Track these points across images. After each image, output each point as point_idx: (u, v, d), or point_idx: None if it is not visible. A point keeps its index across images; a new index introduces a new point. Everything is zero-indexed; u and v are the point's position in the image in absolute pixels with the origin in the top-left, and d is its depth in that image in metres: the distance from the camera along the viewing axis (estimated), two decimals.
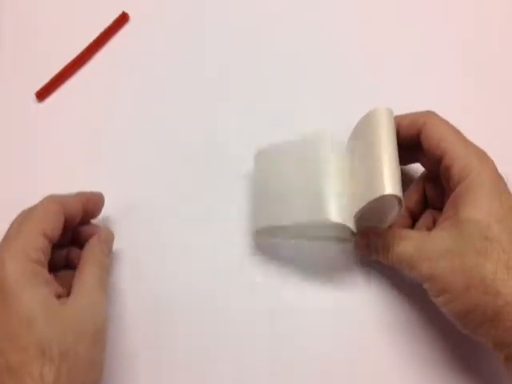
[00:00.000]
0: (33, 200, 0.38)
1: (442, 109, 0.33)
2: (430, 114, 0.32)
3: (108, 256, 0.34)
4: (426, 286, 0.29)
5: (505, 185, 0.29)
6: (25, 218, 0.30)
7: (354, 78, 0.42)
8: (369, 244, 0.33)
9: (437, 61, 0.42)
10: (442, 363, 0.33)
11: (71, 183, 0.39)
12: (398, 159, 0.31)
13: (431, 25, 0.44)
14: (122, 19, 0.45)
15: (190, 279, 0.36)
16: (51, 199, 0.31)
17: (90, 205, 0.34)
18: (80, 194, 0.34)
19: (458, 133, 0.31)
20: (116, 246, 0.35)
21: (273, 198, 0.33)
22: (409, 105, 0.34)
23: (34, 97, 0.42)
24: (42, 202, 0.31)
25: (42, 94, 0.42)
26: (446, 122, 0.32)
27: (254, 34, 0.44)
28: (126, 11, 0.45)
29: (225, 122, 0.41)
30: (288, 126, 0.40)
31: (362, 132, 0.33)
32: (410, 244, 0.30)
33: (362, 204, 0.30)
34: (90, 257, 0.32)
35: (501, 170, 0.30)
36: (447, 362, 0.33)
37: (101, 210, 0.35)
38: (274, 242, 0.36)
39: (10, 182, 0.39)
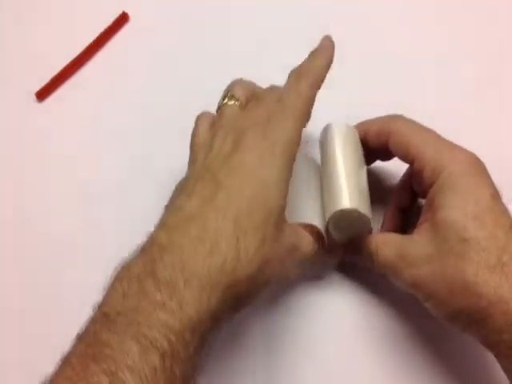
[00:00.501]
0: (33, 200, 0.38)
1: (442, 109, 0.33)
2: (394, 119, 0.32)
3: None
4: (410, 292, 0.29)
5: (483, 177, 0.28)
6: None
7: (354, 77, 0.42)
8: (354, 250, 0.33)
9: (437, 60, 0.42)
10: (428, 363, 0.32)
11: (71, 183, 0.39)
12: (358, 172, 0.31)
13: (431, 24, 0.44)
14: (122, 19, 0.45)
15: None
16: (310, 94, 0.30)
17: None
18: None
19: (425, 133, 0.30)
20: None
21: None
22: (409, 105, 0.34)
23: (34, 97, 0.42)
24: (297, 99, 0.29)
25: (42, 94, 0.42)
26: (412, 124, 0.31)
27: (254, 34, 0.44)
28: (126, 11, 0.45)
29: None
30: None
31: (321, 150, 0.34)
32: (393, 249, 0.30)
33: (325, 221, 0.31)
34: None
35: (500, 169, 0.29)
36: (434, 363, 0.32)
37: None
38: None
39: (10, 181, 0.39)
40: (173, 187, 0.28)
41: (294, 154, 0.28)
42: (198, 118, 0.32)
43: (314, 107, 0.30)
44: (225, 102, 0.31)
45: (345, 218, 0.31)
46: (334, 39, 0.32)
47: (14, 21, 0.45)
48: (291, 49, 0.43)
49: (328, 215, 0.31)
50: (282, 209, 0.26)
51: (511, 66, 0.42)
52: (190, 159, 0.30)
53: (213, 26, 0.44)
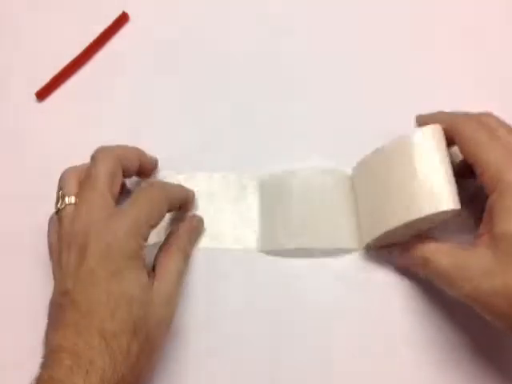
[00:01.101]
0: (32, 200, 0.38)
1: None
2: (462, 121, 0.30)
3: (193, 245, 0.35)
4: (467, 303, 0.28)
5: None
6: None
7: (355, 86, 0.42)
8: (405, 254, 0.32)
9: (437, 62, 0.42)
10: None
11: None
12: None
13: (433, 28, 0.44)
14: (122, 19, 0.45)
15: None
16: (115, 165, 0.32)
17: (147, 162, 0.36)
18: (137, 149, 0.35)
19: (490, 140, 0.29)
20: None
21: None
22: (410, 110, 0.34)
23: (34, 97, 0.42)
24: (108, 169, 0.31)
25: (42, 93, 0.42)
26: (479, 130, 0.29)
27: (255, 35, 0.44)
28: (126, 11, 0.45)
29: (225, 122, 0.41)
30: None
31: (404, 150, 0.32)
32: (449, 260, 0.29)
33: (406, 219, 0.30)
34: (177, 243, 0.33)
35: None
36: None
37: (155, 169, 0.37)
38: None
39: (10, 181, 0.39)
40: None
41: (143, 222, 0.30)
42: (48, 224, 0.33)
43: None
44: (59, 206, 0.31)
45: (431, 219, 0.30)
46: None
47: (14, 21, 0.45)
48: (293, 50, 0.43)
49: (425, 211, 0.29)
50: (142, 291, 0.29)
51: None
52: (52, 268, 0.31)
53: (213, 26, 0.44)
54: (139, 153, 0.35)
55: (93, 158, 0.32)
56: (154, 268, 0.31)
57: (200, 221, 0.36)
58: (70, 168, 0.33)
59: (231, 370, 0.33)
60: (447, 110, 0.33)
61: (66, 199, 0.31)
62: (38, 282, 0.35)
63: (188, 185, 0.37)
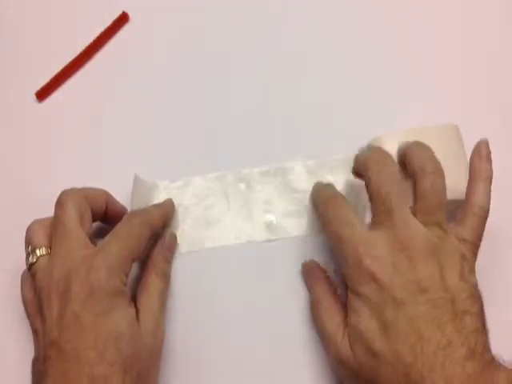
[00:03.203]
0: (32, 200, 0.38)
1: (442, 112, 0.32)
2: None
3: (171, 262, 0.35)
4: None
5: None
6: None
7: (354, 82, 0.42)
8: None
9: (436, 65, 0.42)
10: None
11: (71, 184, 0.39)
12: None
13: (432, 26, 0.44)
14: (122, 19, 0.45)
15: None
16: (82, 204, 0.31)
17: (115, 206, 0.35)
18: (104, 191, 0.34)
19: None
20: None
21: None
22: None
23: (34, 97, 0.42)
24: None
25: (42, 93, 0.42)
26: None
27: (254, 34, 0.44)
28: (126, 11, 0.45)
29: (225, 122, 0.41)
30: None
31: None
32: (330, 321, 0.31)
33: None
34: (154, 267, 0.33)
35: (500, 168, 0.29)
36: None
37: (123, 215, 0.34)
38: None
39: (10, 182, 0.39)
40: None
41: (124, 258, 0.29)
42: (21, 280, 0.32)
43: None
44: (30, 261, 0.30)
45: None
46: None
47: (14, 20, 0.45)
48: (294, 52, 0.43)
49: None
50: (129, 328, 0.28)
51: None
52: (30, 325, 0.30)
53: (213, 26, 0.44)
54: (107, 195, 0.34)
55: (57, 202, 0.31)
56: (136, 297, 0.31)
57: (172, 236, 0.36)
58: (34, 221, 0.32)
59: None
60: (448, 111, 0.33)
61: (37, 252, 0.30)
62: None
63: (185, 191, 0.38)
